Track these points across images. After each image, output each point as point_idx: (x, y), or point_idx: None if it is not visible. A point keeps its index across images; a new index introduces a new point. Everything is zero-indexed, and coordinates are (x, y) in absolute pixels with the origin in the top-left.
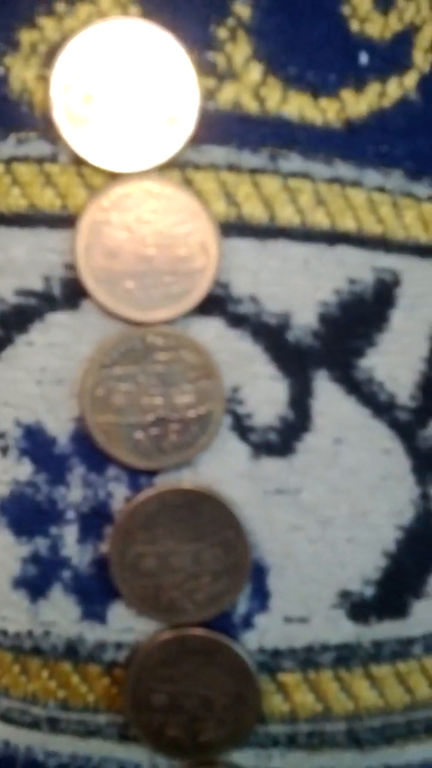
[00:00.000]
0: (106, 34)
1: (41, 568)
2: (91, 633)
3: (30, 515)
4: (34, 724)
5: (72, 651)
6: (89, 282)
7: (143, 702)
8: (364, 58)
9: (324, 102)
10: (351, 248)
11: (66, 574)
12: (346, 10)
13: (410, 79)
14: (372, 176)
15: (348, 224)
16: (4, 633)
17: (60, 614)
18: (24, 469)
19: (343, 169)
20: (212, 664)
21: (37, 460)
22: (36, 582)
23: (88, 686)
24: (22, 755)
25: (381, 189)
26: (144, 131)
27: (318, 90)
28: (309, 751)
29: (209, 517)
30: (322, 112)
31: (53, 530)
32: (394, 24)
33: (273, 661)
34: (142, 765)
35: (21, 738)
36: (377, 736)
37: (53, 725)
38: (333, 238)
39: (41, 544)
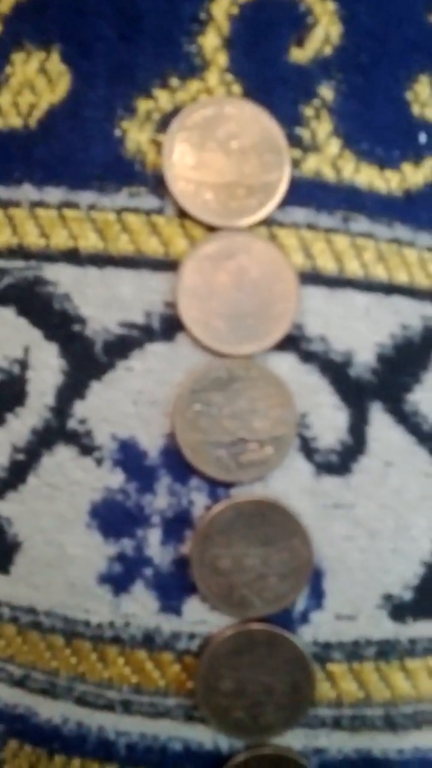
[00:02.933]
0: (213, 107)
1: (126, 565)
2: (168, 624)
3: (119, 519)
4: (108, 707)
5: (149, 640)
6: (185, 319)
7: (212, 687)
8: (422, 137)
9: (388, 173)
10: (404, 298)
11: (148, 571)
12: (409, 96)
13: None
14: (424, 238)
15: (402, 278)
16: (87, 624)
17: (140, 607)
18: (116, 478)
19: (401, 231)
20: (274, 654)
21: (129, 471)
22: (120, 578)
23: (161, 672)
24: (93, 734)
25: (430, 249)
26: (241, 194)
27: (384, 163)
28: (351, 733)
29: (278, 525)
30: (387, 182)
31: (139, 533)
32: None
33: (324, 652)
34: (204, 743)
35: (94, 719)
36: (409, 721)
37: (126, 707)
38: (390, 289)
39: (127, 544)
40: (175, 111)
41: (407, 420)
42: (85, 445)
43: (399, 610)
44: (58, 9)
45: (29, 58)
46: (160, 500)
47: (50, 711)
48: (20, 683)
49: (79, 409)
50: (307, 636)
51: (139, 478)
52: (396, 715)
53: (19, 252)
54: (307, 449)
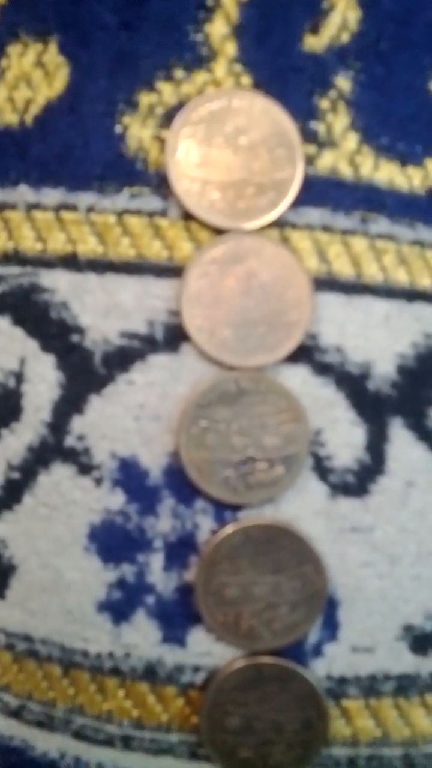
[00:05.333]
0: (221, 100)
1: (126, 593)
2: (171, 656)
3: (119, 543)
4: (108, 742)
5: (150, 672)
6: (190, 328)
7: (218, 723)
8: None
9: (411, 170)
10: (427, 305)
11: (150, 599)
12: None
13: None
14: None
15: (425, 283)
16: (85, 654)
17: (141, 637)
18: (116, 499)
19: (425, 233)
20: (285, 690)
21: (130, 491)
22: (120, 606)
23: (163, 706)
24: None
25: None
26: (251, 193)
27: (406, 159)
28: None
29: (289, 551)
30: (409, 179)
31: (140, 558)
32: None
33: (339, 687)
34: None
35: (93, 754)
36: (431, 761)
37: (126, 743)
38: (412, 295)
39: (128, 570)
40: (180, 105)
41: (430, 436)
42: (83, 463)
43: (420, 642)
44: None
45: (26, 50)
46: (163, 523)
47: (47, 744)
48: (16, 714)
49: (77, 424)
50: (320, 670)
51: (140, 499)
52: (416, 755)
53: (15, 257)
54: (322, 469)
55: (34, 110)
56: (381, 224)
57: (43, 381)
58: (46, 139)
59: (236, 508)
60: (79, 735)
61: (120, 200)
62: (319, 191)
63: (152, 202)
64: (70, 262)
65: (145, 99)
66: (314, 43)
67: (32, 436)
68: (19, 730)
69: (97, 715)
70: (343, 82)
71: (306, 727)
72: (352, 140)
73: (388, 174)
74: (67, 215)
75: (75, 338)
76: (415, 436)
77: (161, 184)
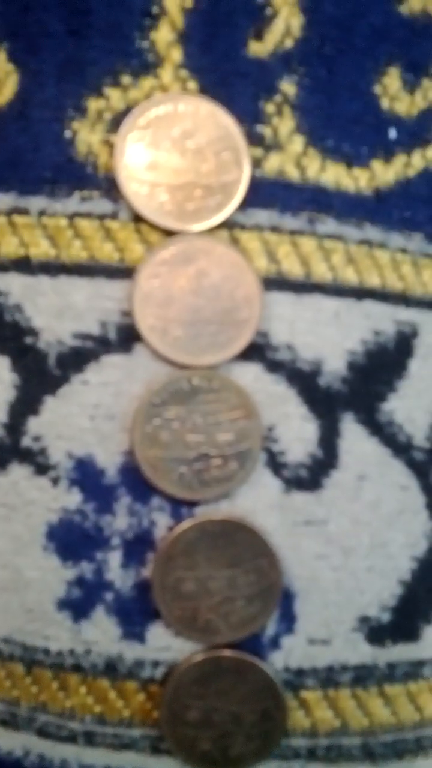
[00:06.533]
0: (167, 105)
1: (85, 590)
2: (131, 651)
3: (77, 541)
4: (71, 738)
5: (111, 668)
6: (143, 328)
7: (178, 717)
8: (393, 133)
9: (357, 171)
10: (376, 303)
11: (109, 596)
12: (378, 89)
13: None
14: (396, 239)
15: (374, 281)
16: (46, 651)
17: (101, 634)
18: (73, 498)
19: (372, 232)
20: (243, 682)
21: (86, 490)
22: (80, 603)
23: (125, 702)
24: None
25: (403, 250)
26: (199, 195)
27: (352, 161)
28: (327, 764)
29: (244, 545)
30: (355, 180)
31: (98, 555)
32: (420, 102)
33: (297, 679)
34: None
35: (56, 751)
36: (389, 750)
37: (89, 739)
38: (361, 293)
39: (86, 568)
40: (128, 110)
41: (381, 431)
42: (40, 463)
43: (376, 633)
44: (3, 5)
45: None
46: (120, 521)
47: (11, 743)
48: None
49: (33, 425)
50: (278, 662)
51: (97, 497)
52: (375, 745)
53: None
54: (275, 464)
55: None
56: (328, 224)
57: None
58: None
59: (192, 504)
60: (43, 732)
61: (71, 204)
62: (267, 193)
63: (102, 205)
64: (23, 265)
65: (93, 104)
66: (258, 48)
67: None
68: None
69: (59, 712)
70: (288, 86)
71: (264, 718)
72: (298, 143)
73: (334, 175)
74: (19, 219)
75: (29, 340)
76: (367, 430)
77: (111, 188)
